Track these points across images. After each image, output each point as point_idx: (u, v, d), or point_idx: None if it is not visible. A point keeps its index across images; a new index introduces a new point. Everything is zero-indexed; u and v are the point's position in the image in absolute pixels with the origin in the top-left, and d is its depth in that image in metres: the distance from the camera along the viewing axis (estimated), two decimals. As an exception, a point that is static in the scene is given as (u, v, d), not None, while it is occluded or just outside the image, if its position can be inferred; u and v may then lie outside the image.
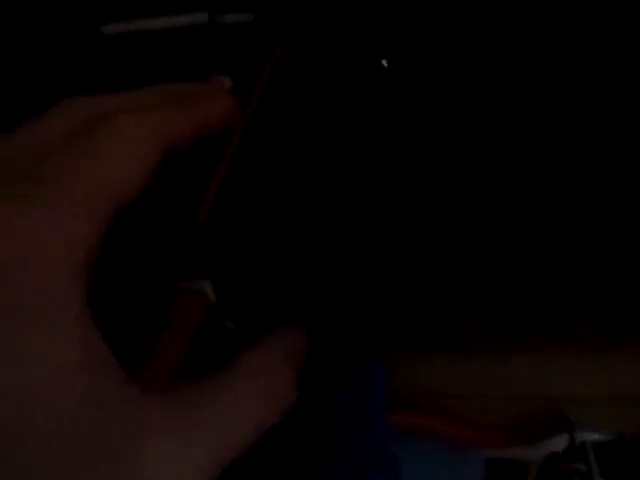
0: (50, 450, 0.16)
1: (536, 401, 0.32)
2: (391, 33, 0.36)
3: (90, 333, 0.17)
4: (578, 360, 0.33)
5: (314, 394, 0.27)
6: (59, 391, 0.16)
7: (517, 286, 0.32)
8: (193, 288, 0.25)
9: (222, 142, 0.27)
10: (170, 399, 0.18)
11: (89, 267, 0.18)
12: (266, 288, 0.28)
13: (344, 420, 0.27)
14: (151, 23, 0.38)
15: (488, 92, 0.34)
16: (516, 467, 0.35)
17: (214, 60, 0.35)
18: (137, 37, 0.38)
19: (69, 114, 0.22)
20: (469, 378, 0.34)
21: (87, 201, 0.19)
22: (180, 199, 0.25)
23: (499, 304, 0.32)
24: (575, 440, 0.30)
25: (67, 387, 0.16)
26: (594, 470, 0.30)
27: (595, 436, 0.32)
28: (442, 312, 0.32)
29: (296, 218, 0.29)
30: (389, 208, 0.32)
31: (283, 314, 0.28)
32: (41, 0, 0.39)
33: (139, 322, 0.24)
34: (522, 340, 0.32)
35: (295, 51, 0.33)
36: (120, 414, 0.17)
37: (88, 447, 0.16)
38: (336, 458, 0.26)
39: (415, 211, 0.33)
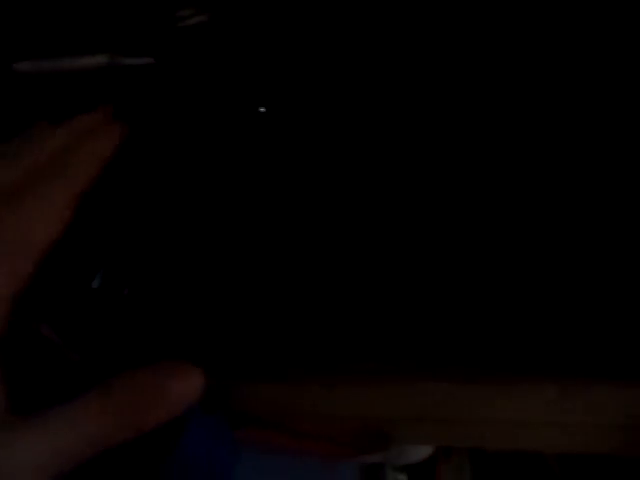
0: None
1: (359, 420, 0.38)
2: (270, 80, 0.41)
3: None
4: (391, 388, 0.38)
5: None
6: None
7: (337, 322, 0.37)
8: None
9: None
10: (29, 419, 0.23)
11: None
12: (107, 324, 0.32)
13: None
14: (57, 63, 0.43)
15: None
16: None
17: (113, 100, 0.40)
18: (45, 75, 0.43)
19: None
20: (302, 403, 0.39)
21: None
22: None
23: (324, 341, 0.37)
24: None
25: None
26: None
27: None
28: (274, 346, 0.36)
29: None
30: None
31: (120, 347, 0.33)
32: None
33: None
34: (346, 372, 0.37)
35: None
36: None
37: None
38: None
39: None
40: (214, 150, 0.37)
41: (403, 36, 0.37)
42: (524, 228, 0.34)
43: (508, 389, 0.34)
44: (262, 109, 0.40)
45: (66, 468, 0.23)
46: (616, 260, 0.34)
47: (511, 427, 0.35)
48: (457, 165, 0.36)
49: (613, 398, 0.33)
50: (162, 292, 0.35)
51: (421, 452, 0.42)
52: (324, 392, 0.36)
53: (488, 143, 0.36)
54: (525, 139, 0.36)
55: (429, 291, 0.35)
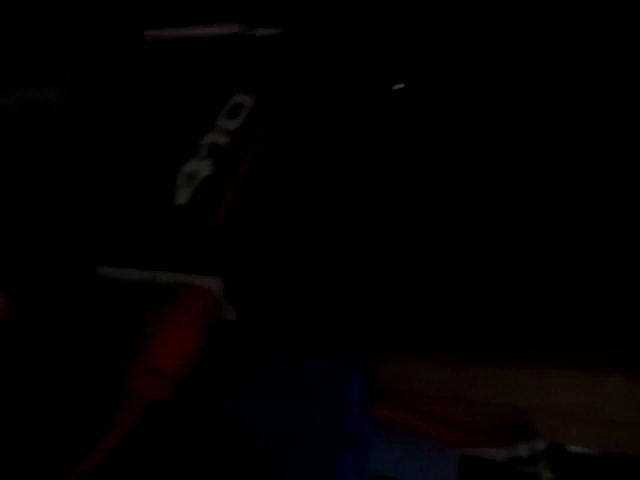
0: None
1: (504, 409, 0.35)
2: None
3: None
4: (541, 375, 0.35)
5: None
6: None
7: (505, 299, 0.35)
8: (202, 283, 0.28)
9: (239, 151, 0.30)
10: None
11: None
12: (270, 284, 0.31)
13: (309, 411, 0.30)
14: (187, 31, 0.41)
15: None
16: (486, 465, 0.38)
17: (242, 69, 0.38)
18: (174, 43, 0.42)
19: None
20: (444, 382, 0.37)
21: None
22: (197, 203, 0.28)
23: (484, 315, 0.35)
24: (535, 448, 0.33)
25: None
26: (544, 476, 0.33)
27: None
28: (433, 318, 0.34)
29: (302, 220, 0.32)
30: (393, 211, 0.35)
31: (280, 309, 0.31)
32: (84, 3, 0.42)
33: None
34: (499, 354, 0.35)
35: (312, 75, 0.36)
36: None
37: None
38: (300, 445, 0.29)
39: (413, 209, 0.36)
40: (344, 126, 0.35)
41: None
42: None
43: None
44: (398, 86, 0.37)
45: None
46: None
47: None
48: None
49: None
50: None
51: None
52: (475, 375, 0.34)
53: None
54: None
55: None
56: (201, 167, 0.29)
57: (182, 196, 0.28)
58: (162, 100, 0.35)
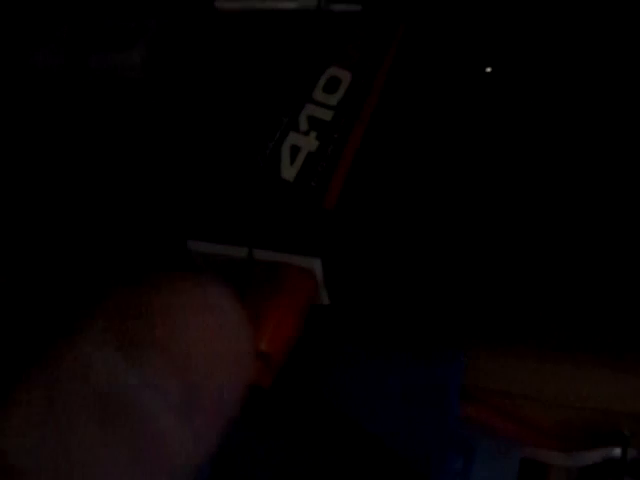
0: None
1: (583, 412, 0.34)
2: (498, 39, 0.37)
3: None
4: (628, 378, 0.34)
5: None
6: None
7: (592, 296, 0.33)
8: (304, 263, 0.26)
9: (344, 127, 0.28)
10: None
11: None
12: (371, 273, 0.29)
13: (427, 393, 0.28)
14: (261, 3, 0.39)
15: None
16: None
17: (320, 46, 0.36)
18: (247, 15, 0.40)
19: None
20: (522, 380, 0.35)
21: None
22: (308, 185, 0.26)
23: (575, 313, 0.33)
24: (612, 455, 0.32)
25: None
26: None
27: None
28: (517, 313, 0.33)
29: (411, 212, 0.30)
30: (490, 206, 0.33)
31: (379, 298, 0.30)
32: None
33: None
34: (574, 354, 0.33)
35: (409, 51, 0.34)
36: None
37: None
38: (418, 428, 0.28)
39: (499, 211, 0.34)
40: (433, 107, 0.33)
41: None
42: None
43: None
44: (489, 69, 0.36)
45: None
46: None
47: None
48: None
49: None
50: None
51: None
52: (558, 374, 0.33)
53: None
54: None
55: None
56: (305, 141, 0.27)
57: (288, 171, 0.26)
58: (248, 72, 0.33)
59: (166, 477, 0.14)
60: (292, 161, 0.27)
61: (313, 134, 0.28)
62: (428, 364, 0.29)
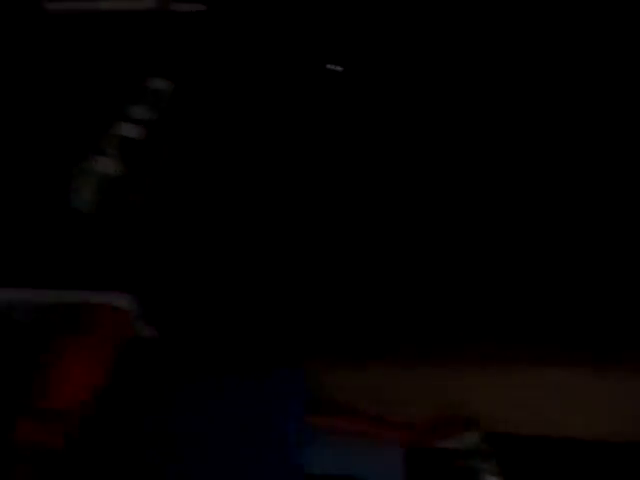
0: None
1: (440, 406, 0.34)
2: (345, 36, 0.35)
3: None
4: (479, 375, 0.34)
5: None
6: None
7: (430, 305, 0.33)
8: (111, 301, 0.24)
9: (152, 147, 0.26)
10: None
11: None
12: (190, 299, 0.27)
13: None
14: (94, 4, 0.36)
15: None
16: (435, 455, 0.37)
17: (158, 50, 0.34)
18: (78, 17, 0.36)
19: None
20: (376, 386, 0.35)
21: None
22: (112, 215, 0.24)
23: (416, 323, 0.33)
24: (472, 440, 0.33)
25: None
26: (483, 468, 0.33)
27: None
28: (366, 326, 0.32)
29: (226, 233, 0.28)
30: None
31: (206, 323, 0.28)
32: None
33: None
34: (427, 355, 0.34)
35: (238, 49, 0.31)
36: None
37: None
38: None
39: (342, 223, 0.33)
40: (267, 106, 0.31)
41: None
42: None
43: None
44: (337, 68, 0.34)
45: None
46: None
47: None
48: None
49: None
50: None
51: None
52: (408, 375, 0.34)
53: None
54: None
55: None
56: (107, 165, 0.24)
57: (83, 199, 0.23)
58: (65, 81, 0.30)
59: None
60: (90, 188, 0.24)
61: (117, 156, 0.25)
62: (267, 389, 0.28)
